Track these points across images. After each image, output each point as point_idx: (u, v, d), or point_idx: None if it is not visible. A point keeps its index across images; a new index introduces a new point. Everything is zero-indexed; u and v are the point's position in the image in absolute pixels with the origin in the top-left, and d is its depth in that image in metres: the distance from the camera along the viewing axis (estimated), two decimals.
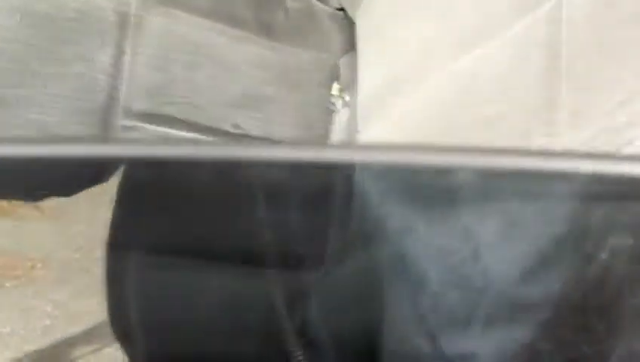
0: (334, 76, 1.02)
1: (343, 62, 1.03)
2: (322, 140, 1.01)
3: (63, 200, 0.94)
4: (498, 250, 0.63)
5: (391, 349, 0.68)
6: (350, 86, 1.01)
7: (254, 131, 0.98)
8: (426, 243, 0.65)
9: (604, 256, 0.56)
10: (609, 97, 0.65)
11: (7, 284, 1.35)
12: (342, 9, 1.05)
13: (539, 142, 0.71)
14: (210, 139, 0.96)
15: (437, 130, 0.83)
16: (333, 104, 1.01)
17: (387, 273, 0.67)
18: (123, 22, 0.95)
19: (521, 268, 0.62)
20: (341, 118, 1.01)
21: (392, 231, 0.65)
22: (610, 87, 0.65)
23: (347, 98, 1.01)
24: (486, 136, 0.77)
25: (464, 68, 0.82)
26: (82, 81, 0.94)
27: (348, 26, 1.00)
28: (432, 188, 0.58)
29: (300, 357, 0.71)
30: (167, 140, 0.44)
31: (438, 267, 0.64)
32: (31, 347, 1.34)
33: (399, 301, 0.67)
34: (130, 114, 0.95)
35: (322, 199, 0.67)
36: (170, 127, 0.96)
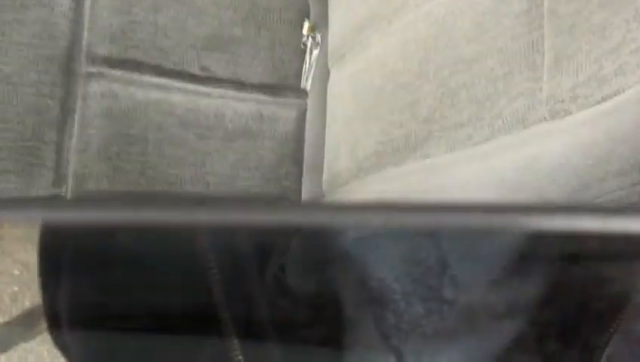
0: (304, 14, 0.99)
1: None
2: (293, 81, 0.98)
3: None
4: (465, 259, 0.62)
5: None
6: (321, 24, 0.98)
7: (222, 73, 0.96)
8: (389, 252, 0.63)
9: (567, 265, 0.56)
10: (597, 43, 0.63)
11: None
12: None
13: (522, 86, 0.70)
14: (179, 84, 0.94)
15: (414, 70, 0.81)
16: (304, 43, 0.99)
17: (347, 288, 0.65)
18: None
19: (490, 276, 0.61)
20: (312, 57, 0.99)
21: (352, 241, 0.63)
22: (598, 32, 0.63)
23: (318, 37, 0.98)
24: (464, 78, 0.76)
25: (442, 6, 0.80)
26: (42, 27, 0.90)
27: None
28: None
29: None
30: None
31: (402, 276, 0.63)
32: None
33: (361, 315, 0.65)
34: (94, 59, 0.92)
35: None
36: (136, 72, 0.92)
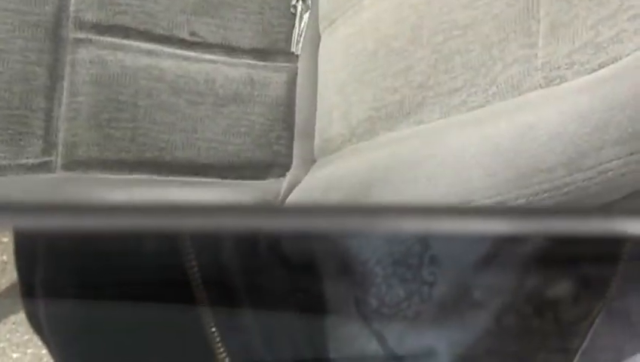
0: None
1: None
2: (283, 45, 0.98)
3: None
4: (446, 240, 0.62)
5: (337, 349, 0.66)
6: None
7: (212, 38, 0.95)
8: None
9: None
10: (594, 10, 0.63)
11: None
12: None
13: (517, 52, 0.70)
14: (168, 49, 0.93)
15: (407, 35, 0.81)
16: (294, 7, 0.98)
17: (327, 268, 0.65)
18: None
19: (475, 254, 0.61)
20: (302, 21, 0.98)
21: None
22: None
23: (309, 0, 0.97)
24: (459, 44, 0.75)
25: None
26: None
27: None
28: None
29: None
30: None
31: (384, 258, 0.63)
32: None
33: (342, 297, 0.65)
34: (81, 26, 0.90)
35: None
36: (125, 38, 0.91)
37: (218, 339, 0.63)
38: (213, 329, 0.63)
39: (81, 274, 0.67)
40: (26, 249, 0.75)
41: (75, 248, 0.65)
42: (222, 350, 0.63)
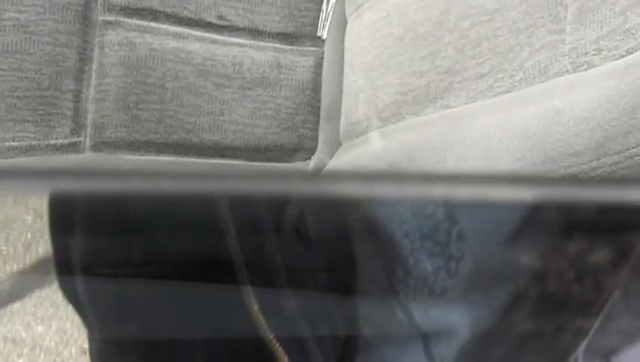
0: None
1: None
2: (310, 29, 0.98)
3: None
4: (474, 216, 0.62)
5: (367, 322, 0.67)
6: None
7: (239, 22, 0.95)
8: (399, 205, 0.64)
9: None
10: None
11: None
12: None
13: (545, 38, 0.70)
14: (196, 32, 0.93)
15: (434, 20, 0.81)
16: None
17: (358, 238, 0.65)
18: None
19: (502, 231, 0.61)
20: (329, 5, 0.98)
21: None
22: None
23: None
24: (486, 29, 0.76)
25: None
26: None
27: None
28: None
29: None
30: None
31: (412, 232, 0.64)
32: (13, 266, 1.31)
33: (372, 268, 0.66)
34: (110, 8, 0.91)
35: None
36: (153, 20, 0.92)
37: (262, 316, 0.64)
38: (256, 307, 0.64)
39: (122, 253, 0.68)
40: (62, 226, 0.76)
41: (115, 227, 0.66)
42: (265, 325, 0.64)
